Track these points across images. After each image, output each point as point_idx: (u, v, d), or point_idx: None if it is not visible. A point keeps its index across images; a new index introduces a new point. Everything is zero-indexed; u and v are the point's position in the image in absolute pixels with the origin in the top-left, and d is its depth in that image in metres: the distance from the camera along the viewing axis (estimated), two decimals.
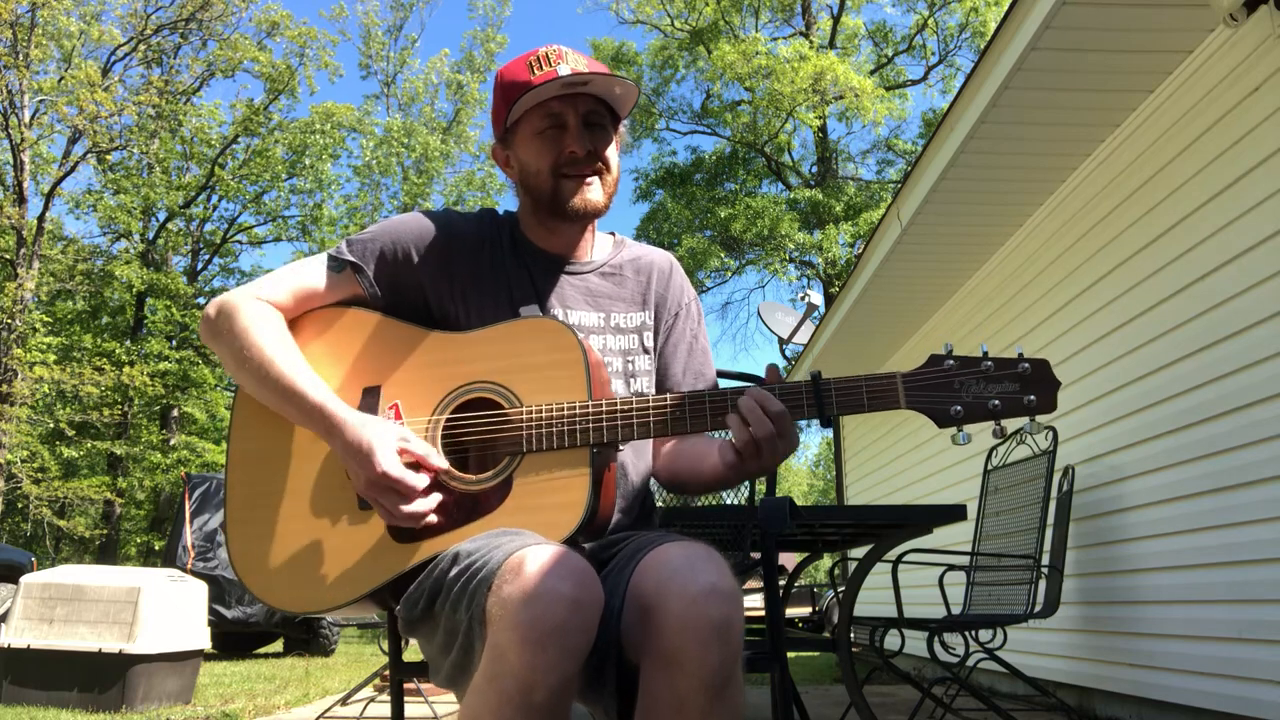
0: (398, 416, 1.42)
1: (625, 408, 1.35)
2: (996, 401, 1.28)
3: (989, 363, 1.30)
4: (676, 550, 1.23)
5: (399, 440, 1.34)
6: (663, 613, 1.16)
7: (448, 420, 1.41)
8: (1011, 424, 1.31)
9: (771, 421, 1.30)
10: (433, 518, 1.33)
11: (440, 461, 1.36)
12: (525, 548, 1.16)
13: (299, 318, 1.51)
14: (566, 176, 1.49)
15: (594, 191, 1.51)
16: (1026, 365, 1.29)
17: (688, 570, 1.18)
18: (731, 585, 1.18)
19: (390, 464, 1.31)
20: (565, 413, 1.35)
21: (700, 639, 1.14)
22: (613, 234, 1.69)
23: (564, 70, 1.45)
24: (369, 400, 1.44)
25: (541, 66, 1.47)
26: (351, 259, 1.51)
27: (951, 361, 1.31)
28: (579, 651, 1.11)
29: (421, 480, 1.33)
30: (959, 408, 1.29)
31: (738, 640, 1.17)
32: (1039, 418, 1.29)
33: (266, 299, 1.48)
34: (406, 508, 1.31)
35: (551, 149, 1.49)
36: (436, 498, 1.34)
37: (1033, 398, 1.28)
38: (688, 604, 1.15)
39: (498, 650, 1.10)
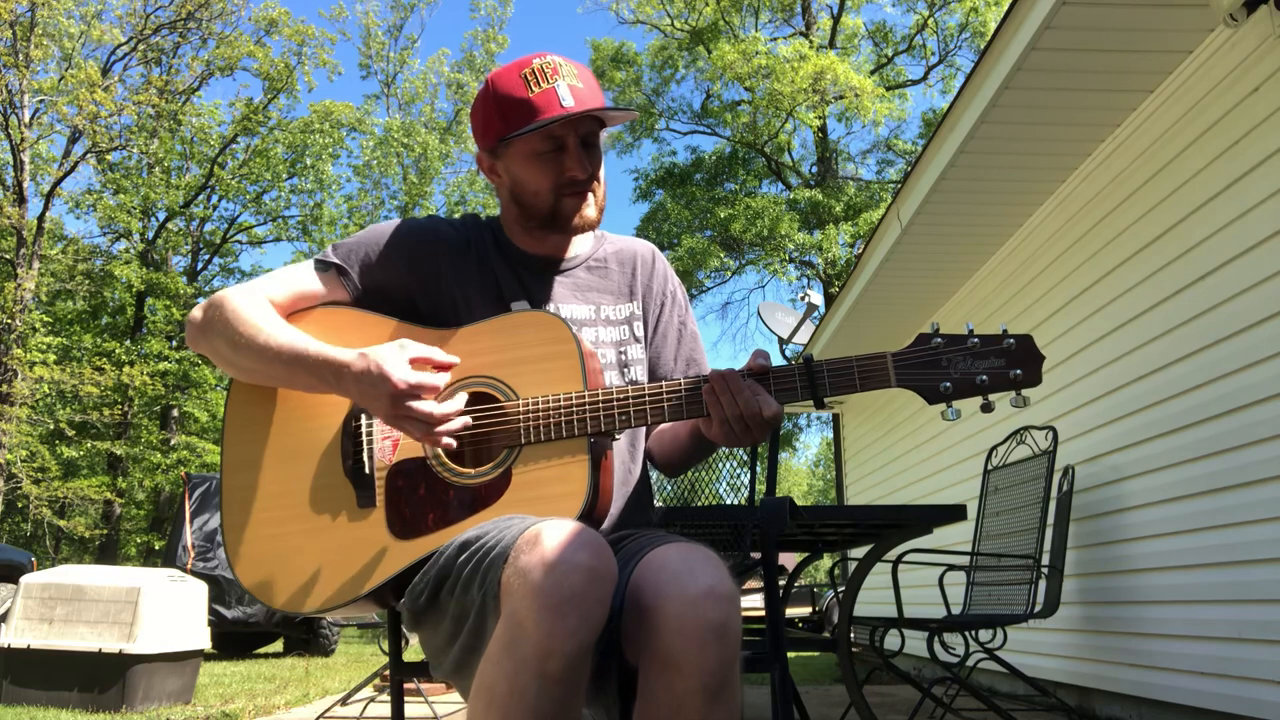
0: None
1: (621, 396, 1.36)
2: (984, 377, 1.30)
3: (975, 339, 1.32)
4: (675, 552, 1.24)
5: (403, 350, 1.36)
6: (660, 614, 1.17)
7: None
8: (999, 399, 1.33)
9: (762, 421, 1.32)
10: (460, 421, 1.35)
11: (448, 357, 1.39)
12: (540, 522, 1.17)
13: (289, 318, 1.51)
14: (567, 195, 1.50)
15: (590, 208, 1.53)
16: (1011, 341, 1.31)
17: (686, 572, 1.19)
18: (730, 588, 1.19)
19: (407, 372, 1.33)
20: (562, 404, 1.36)
21: (698, 641, 1.14)
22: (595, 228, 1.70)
23: (562, 88, 1.44)
24: None
25: (539, 83, 1.45)
26: (337, 262, 1.52)
27: (939, 339, 1.32)
28: (596, 622, 1.11)
29: (442, 378, 1.35)
30: (948, 384, 1.31)
31: (735, 642, 1.17)
32: (1027, 392, 1.31)
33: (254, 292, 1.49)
34: (440, 409, 1.32)
35: (551, 171, 1.48)
36: (463, 397, 1.37)
37: (1019, 371, 1.30)
38: (685, 606, 1.15)
39: (515, 619, 1.11)
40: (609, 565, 1.13)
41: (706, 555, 1.23)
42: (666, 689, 1.17)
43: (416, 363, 1.35)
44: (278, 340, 1.41)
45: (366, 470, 1.41)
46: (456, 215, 1.67)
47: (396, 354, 1.35)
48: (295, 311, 1.52)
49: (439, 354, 1.38)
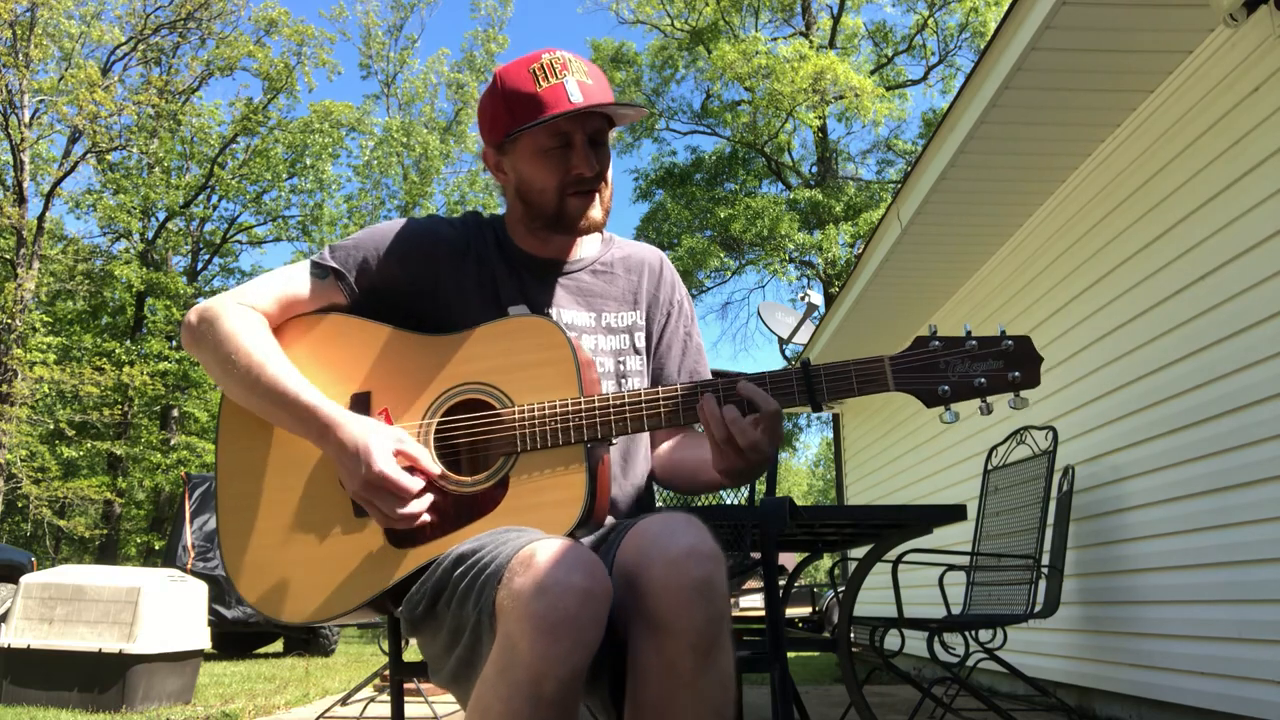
0: (388, 421, 1.41)
1: (618, 403, 1.36)
2: (982, 379, 1.30)
3: (973, 341, 1.31)
4: (656, 519, 1.25)
5: (394, 441, 1.34)
6: (646, 578, 1.17)
7: (439, 424, 1.41)
8: (998, 401, 1.33)
9: (761, 423, 1.31)
10: (426, 517, 1.33)
11: (434, 466, 1.36)
12: (534, 541, 1.17)
13: (283, 324, 1.50)
14: (574, 194, 1.48)
15: (596, 210, 1.51)
16: (1010, 342, 1.30)
17: (668, 535, 1.19)
18: (712, 547, 1.19)
19: (386, 464, 1.31)
20: (558, 410, 1.35)
21: (684, 599, 1.15)
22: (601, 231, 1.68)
23: (570, 84, 1.43)
24: (358, 407, 1.43)
25: (547, 78, 1.43)
26: (334, 265, 1.49)
27: (937, 342, 1.32)
28: (590, 643, 1.11)
29: (417, 482, 1.33)
30: (946, 387, 1.30)
31: (722, 601, 1.17)
32: (1026, 394, 1.30)
33: (249, 304, 1.47)
34: (401, 509, 1.31)
35: (558, 168, 1.47)
36: (429, 499, 1.34)
37: (1017, 373, 1.29)
38: (668, 566, 1.16)
39: (509, 641, 1.11)
40: (603, 585, 1.13)
41: (688, 519, 1.23)
42: (658, 652, 1.17)
43: (402, 456, 1.34)
44: (269, 376, 1.38)
45: None
46: (456, 214, 1.65)
47: (386, 443, 1.33)
48: (292, 317, 1.50)
49: (426, 460, 1.36)
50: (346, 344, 1.47)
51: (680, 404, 1.35)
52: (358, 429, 1.34)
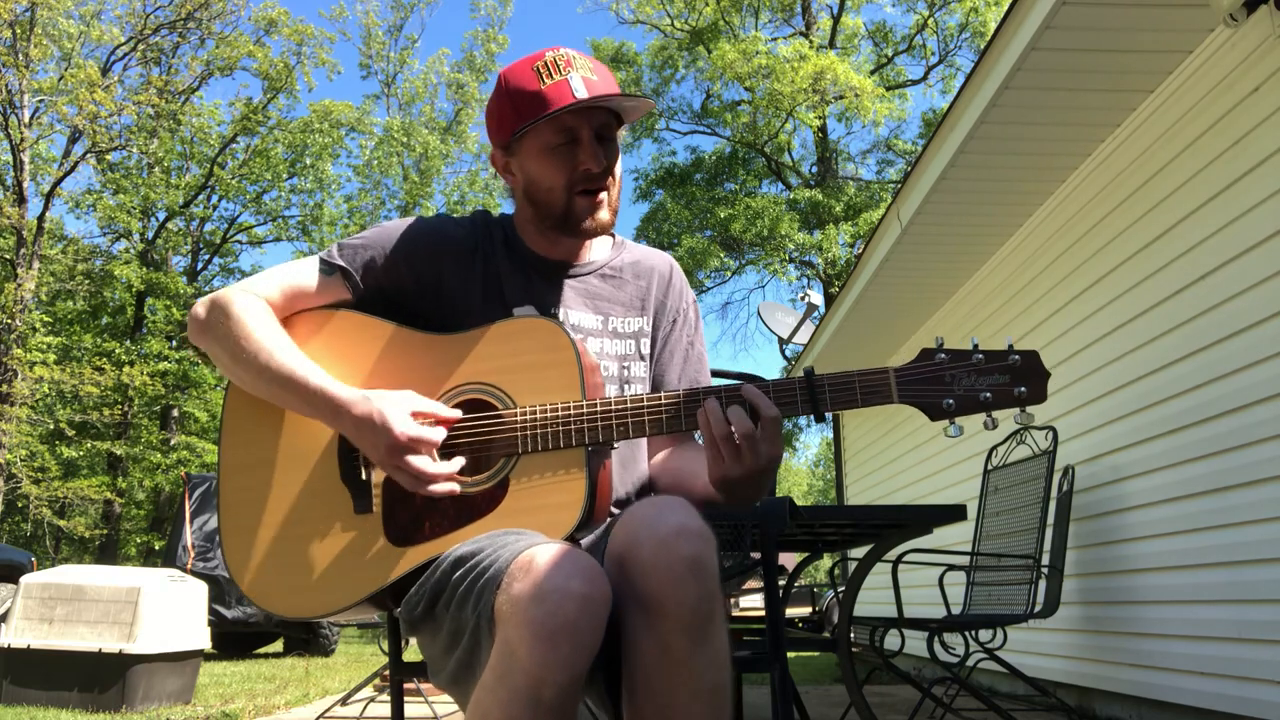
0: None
1: (620, 406, 1.35)
2: (988, 394, 1.29)
3: (979, 355, 1.30)
4: (646, 502, 1.25)
5: (408, 402, 1.35)
6: (636, 558, 1.17)
7: None
8: (1003, 416, 1.32)
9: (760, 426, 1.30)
10: (454, 487, 1.33)
11: (452, 413, 1.37)
12: (533, 546, 1.17)
13: (290, 321, 1.50)
14: (582, 193, 1.47)
15: (603, 211, 1.50)
16: (1016, 357, 1.30)
17: (656, 515, 1.19)
18: (701, 526, 1.18)
19: (409, 425, 1.31)
20: (560, 413, 1.35)
21: (674, 576, 1.14)
22: (612, 234, 1.67)
23: (575, 79, 1.43)
24: None
25: (551, 75, 1.43)
26: (341, 263, 1.50)
27: (943, 355, 1.31)
28: (589, 648, 1.11)
29: (441, 434, 1.34)
30: (951, 401, 1.30)
31: (713, 580, 1.17)
32: (1030, 408, 1.30)
33: (256, 294, 1.47)
34: (434, 468, 1.31)
35: (565, 165, 1.46)
36: (461, 461, 1.35)
37: (1023, 389, 1.29)
38: (658, 545, 1.16)
39: (508, 647, 1.11)
40: (603, 590, 1.13)
41: (679, 500, 1.23)
42: (651, 633, 1.17)
43: (419, 416, 1.34)
44: (278, 361, 1.39)
45: (363, 476, 1.40)
46: (458, 214, 1.64)
47: (400, 404, 1.33)
48: (297, 311, 1.50)
49: (443, 410, 1.36)
50: (352, 341, 1.47)
51: (682, 408, 1.34)
52: (370, 400, 1.34)
